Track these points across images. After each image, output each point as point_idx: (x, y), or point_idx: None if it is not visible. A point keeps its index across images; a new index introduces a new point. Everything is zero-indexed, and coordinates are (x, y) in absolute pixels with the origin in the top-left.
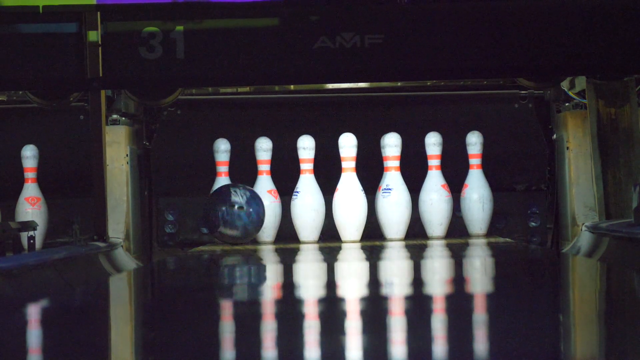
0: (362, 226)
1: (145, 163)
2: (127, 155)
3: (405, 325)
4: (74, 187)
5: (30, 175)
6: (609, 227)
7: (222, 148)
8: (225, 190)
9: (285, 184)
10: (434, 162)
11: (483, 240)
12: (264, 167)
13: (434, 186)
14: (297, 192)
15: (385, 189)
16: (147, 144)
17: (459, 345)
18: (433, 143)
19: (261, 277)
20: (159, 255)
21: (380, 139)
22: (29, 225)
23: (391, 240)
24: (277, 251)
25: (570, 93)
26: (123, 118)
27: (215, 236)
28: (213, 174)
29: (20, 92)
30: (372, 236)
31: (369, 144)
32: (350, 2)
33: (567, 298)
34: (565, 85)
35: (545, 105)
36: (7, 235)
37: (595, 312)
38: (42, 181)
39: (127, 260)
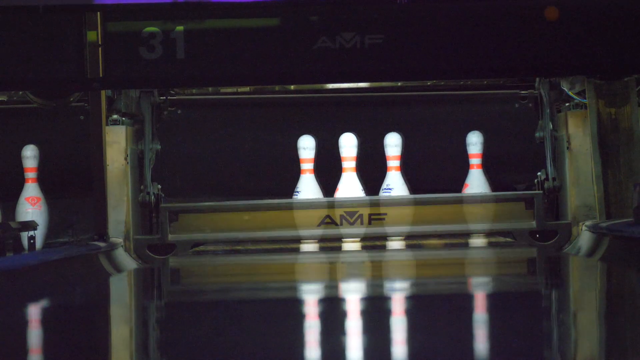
0: None
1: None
2: (127, 155)
3: (405, 325)
4: (74, 187)
5: (30, 175)
6: (609, 227)
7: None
8: None
9: (286, 184)
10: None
11: (483, 240)
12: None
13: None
14: (298, 191)
15: (385, 188)
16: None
17: (459, 345)
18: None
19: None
20: None
21: (380, 138)
22: (29, 225)
23: (391, 240)
24: (279, 251)
25: (570, 93)
26: (123, 118)
27: None
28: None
29: (20, 92)
30: (372, 236)
31: (370, 143)
32: (350, 2)
33: (567, 298)
34: (565, 85)
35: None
36: (8, 235)
37: (595, 312)
38: (42, 181)
39: (127, 260)
